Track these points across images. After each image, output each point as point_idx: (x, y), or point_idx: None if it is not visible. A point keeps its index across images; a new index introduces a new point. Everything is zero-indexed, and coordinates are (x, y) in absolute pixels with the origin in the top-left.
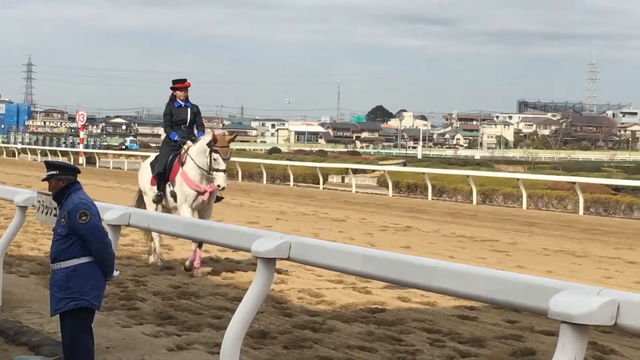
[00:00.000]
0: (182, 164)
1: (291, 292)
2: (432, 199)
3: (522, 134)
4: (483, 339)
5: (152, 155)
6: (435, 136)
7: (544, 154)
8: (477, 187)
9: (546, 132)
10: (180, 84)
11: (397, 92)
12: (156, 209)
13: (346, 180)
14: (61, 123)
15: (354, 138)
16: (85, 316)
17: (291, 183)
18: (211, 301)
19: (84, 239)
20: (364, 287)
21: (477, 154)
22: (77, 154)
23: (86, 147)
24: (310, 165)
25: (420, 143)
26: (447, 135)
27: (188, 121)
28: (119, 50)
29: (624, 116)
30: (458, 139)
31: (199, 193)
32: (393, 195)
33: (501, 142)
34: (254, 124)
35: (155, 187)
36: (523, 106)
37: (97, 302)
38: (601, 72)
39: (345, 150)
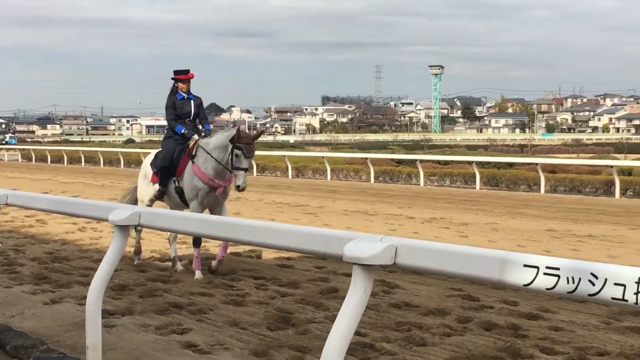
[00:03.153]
0: (192, 157)
1: (145, 252)
2: (257, 175)
3: (326, 122)
4: (298, 282)
5: (152, 153)
6: (258, 126)
7: (343, 137)
8: (292, 164)
9: (344, 120)
10: (182, 76)
11: (227, 92)
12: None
13: None
14: None
15: None
16: None
17: None
18: (80, 263)
19: None
20: (203, 246)
21: (291, 138)
22: None
23: None
24: None
25: None
26: (267, 125)
27: (192, 114)
28: None
29: (403, 106)
30: (276, 127)
31: (212, 188)
32: None
33: (310, 128)
34: (112, 120)
35: (156, 185)
36: (326, 100)
37: None
38: (385, 72)
39: None
